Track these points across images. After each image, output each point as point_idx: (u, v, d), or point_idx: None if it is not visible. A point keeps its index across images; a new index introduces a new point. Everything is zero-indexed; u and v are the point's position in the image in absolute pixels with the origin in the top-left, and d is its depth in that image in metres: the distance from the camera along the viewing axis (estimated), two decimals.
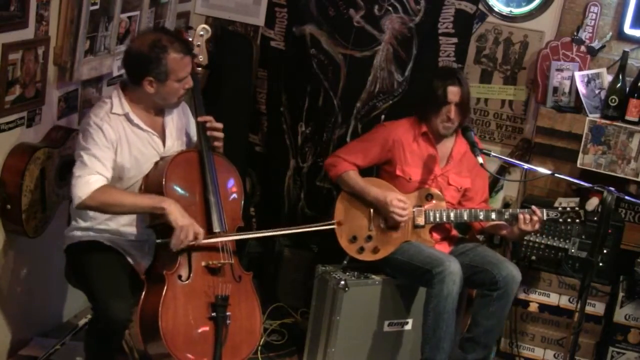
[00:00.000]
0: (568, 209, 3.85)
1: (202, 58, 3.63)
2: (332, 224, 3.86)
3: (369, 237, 4.01)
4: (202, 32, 3.62)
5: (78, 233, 3.45)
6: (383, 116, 4.66)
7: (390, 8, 4.56)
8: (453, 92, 3.91)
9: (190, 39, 3.60)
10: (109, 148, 3.31)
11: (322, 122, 4.74)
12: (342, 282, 3.94)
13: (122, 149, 3.35)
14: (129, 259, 3.43)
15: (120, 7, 3.89)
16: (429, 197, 3.99)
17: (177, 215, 3.23)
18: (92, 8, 3.65)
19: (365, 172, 4.10)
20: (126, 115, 3.37)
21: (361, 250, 4.02)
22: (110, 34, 3.87)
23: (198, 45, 3.60)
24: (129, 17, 4.02)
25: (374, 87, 4.66)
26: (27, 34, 3.42)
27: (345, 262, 4.08)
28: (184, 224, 3.23)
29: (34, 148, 3.50)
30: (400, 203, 3.91)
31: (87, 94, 3.96)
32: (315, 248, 4.77)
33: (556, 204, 4.21)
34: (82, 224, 3.44)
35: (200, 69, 3.64)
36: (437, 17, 4.54)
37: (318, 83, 4.70)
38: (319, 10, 4.65)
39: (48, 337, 3.92)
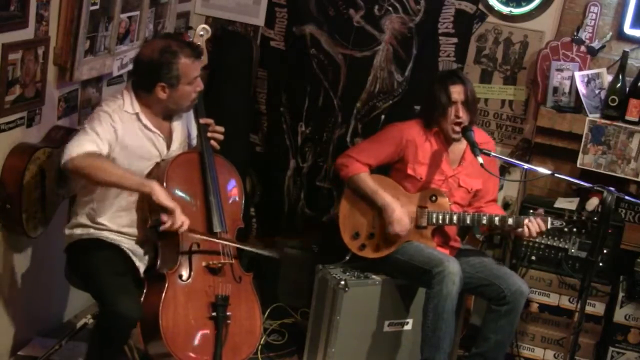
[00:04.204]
0: (574, 217, 3.81)
1: (202, 58, 3.63)
2: (273, 254, 3.79)
3: (371, 235, 4.00)
4: (202, 32, 3.62)
5: (78, 231, 3.45)
6: (383, 116, 4.66)
7: (390, 8, 4.56)
8: (457, 91, 3.88)
9: (190, 39, 3.60)
10: (109, 132, 3.30)
11: (322, 122, 4.74)
12: (342, 282, 3.94)
13: (127, 145, 3.36)
14: (132, 257, 3.44)
15: (120, 7, 3.89)
16: (433, 198, 3.98)
17: (166, 195, 3.23)
18: (92, 8, 3.65)
19: (377, 169, 4.08)
20: (137, 115, 3.40)
21: (363, 247, 4.02)
22: (110, 34, 3.87)
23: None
24: (129, 17, 4.02)
25: (374, 87, 4.66)
26: (27, 34, 3.42)
27: (347, 257, 4.08)
28: (176, 205, 3.23)
29: (34, 148, 3.50)
30: (403, 224, 3.90)
31: (87, 94, 3.96)
32: (315, 248, 4.77)
33: (557, 204, 4.22)
34: (81, 220, 3.43)
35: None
36: (437, 17, 4.54)
37: (318, 83, 4.70)
38: (319, 10, 4.65)
39: (48, 337, 3.91)
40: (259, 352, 4.16)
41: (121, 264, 3.36)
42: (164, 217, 3.22)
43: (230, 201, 3.53)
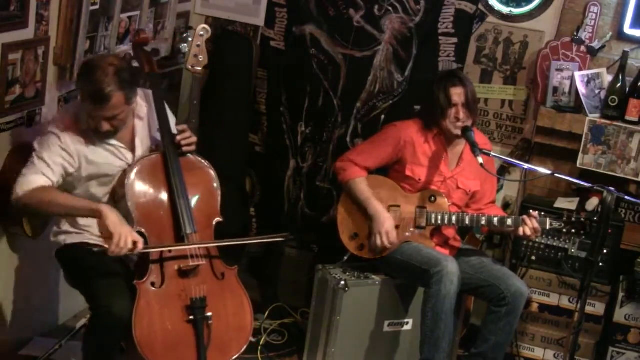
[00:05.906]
0: (573, 219, 3.81)
1: (202, 58, 3.61)
2: (284, 236, 3.66)
3: (370, 235, 4.00)
4: (202, 32, 3.61)
5: (62, 237, 3.44)
6: (383, 116, 4.66)
7: (390, 8, 4.56)
8: (457, 94, 3.88)
9: (190, 39, 3.57)
10: (61, 156, 3.26)
11: (322, 122, 4.74)
12: (342, 282, 3.94)
13: (91, 160, 3.32)
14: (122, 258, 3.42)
15: (120, 7, 3.89)
16: (432, 198, 3.98)
17: (113, 220, 3.15)
18: (92, 8, 3.66)
19: (376, 170, 4.08)
20: (91, 129, 3.31)
21: (361, 247, 4.02)
22: (110, 34, 3.88)
23: (198, 45, 3.58)
24: (129, 17, 4.02)
25: (374, 87, 4.66)
26: (27, 34, 3.43)
27: (345, 258, 4.08)
28: (122, 231, 3.14)
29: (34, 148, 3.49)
30: (390, 237, 3.89)
31: None
32: (315, 248, 4.77)
33: (557, 204, 4.22)
34: (63, 227, 3.42)
35: (200, 69, 3.63)
36: (437, 17, 4.54)
37: (318, 83, 4.70)
38: (319, 10, 4.65)
39: (48, 337, 3.92)
40: (258, 352, 4.16)
41: (110, 265, 3.31)
42: (111, 247, 3.12)
43: (201, 199, 3.43)
